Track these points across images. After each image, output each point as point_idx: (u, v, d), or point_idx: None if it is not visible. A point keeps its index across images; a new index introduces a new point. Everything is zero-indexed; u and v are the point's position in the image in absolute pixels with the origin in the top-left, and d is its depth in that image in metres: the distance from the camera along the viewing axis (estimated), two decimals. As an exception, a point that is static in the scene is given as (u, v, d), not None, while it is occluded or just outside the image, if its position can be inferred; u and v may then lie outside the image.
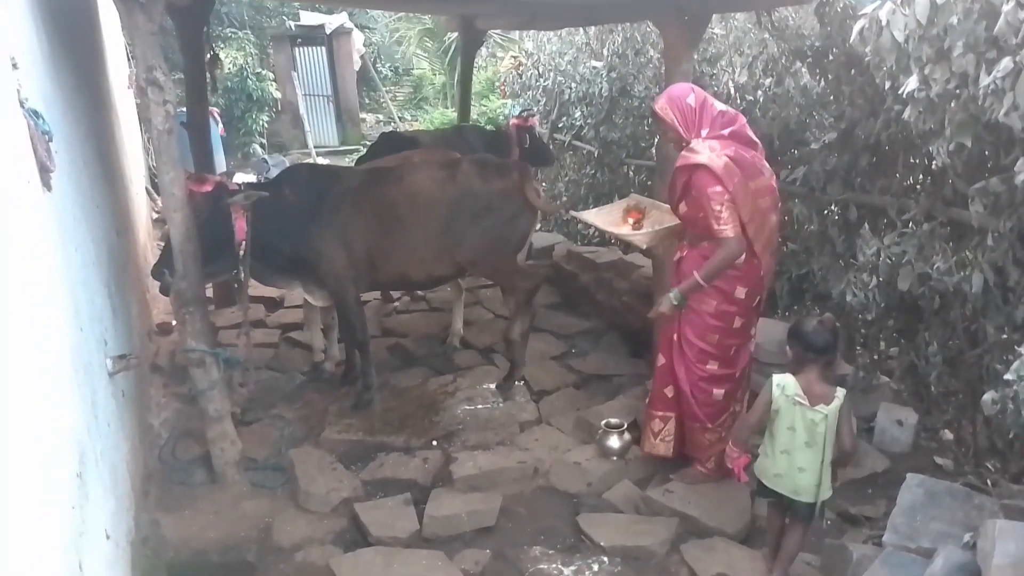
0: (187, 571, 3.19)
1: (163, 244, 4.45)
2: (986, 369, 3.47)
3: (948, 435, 4.08)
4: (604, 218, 4.18)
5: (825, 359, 2.91)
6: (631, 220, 4.07)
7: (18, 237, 1.96)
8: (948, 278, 3.29)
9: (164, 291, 4.08)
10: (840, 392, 2.90)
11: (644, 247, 4.11)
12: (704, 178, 3.27)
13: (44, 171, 2.37)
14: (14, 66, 2.25)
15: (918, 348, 3.88)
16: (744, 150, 3.39)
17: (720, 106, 3.44)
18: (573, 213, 4.46)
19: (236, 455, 3.80)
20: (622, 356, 5.29)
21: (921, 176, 3.98)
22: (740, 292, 3.48)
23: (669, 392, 3.71)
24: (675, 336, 3.63)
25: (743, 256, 3.39)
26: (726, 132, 3.38)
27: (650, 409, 3.83)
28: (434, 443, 4.22)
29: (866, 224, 3.90)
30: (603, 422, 4.05)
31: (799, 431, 2.89)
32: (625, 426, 4.01)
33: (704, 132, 3.37)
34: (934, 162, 3.48)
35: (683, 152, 3.40)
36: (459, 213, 4.35)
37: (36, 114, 2.33)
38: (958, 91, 2.87)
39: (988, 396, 2.85)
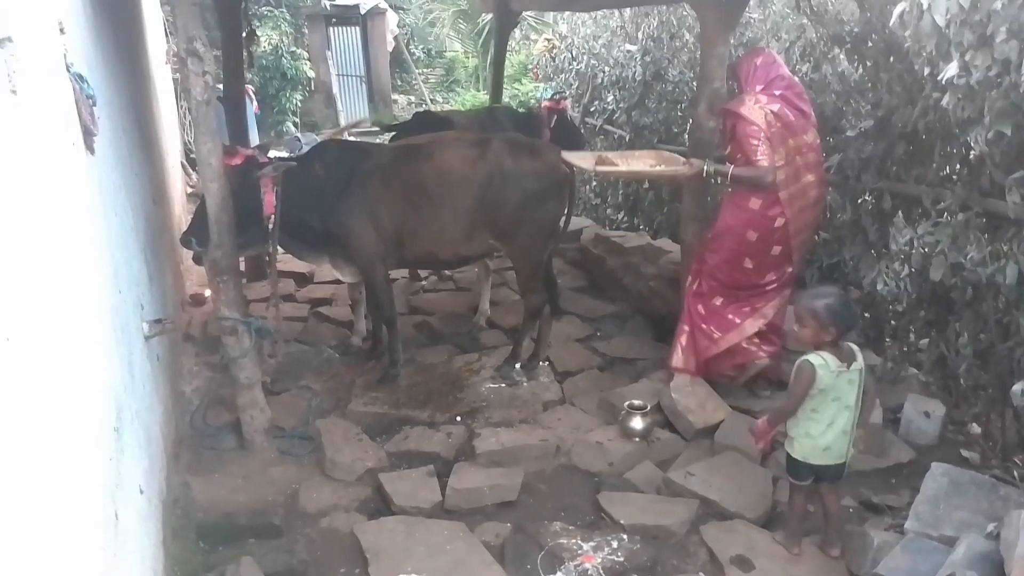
0: (216, 532, 3.27)
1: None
2: (1017, 362, 3.42)
3: (976, 428, 4.03)
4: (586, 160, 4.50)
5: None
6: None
7: (62, 196, 2.01)
8: (982, 269, 3.25)
9: (197, 260, 4.15)
10: (852, 345, 3.05)
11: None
12: (743, 123, 3.82)
13: (88, 134, 2.43)
14: (61, 31, 2.30)
15: (948, 340, 3.84)
16: (791, 110, 3.85)
17: (786, 75, 3.95)
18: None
19: (265, 423, 3.88)
20: (647, 340, 5.29)
21: (958, 165, 3.91)
22: (752, 235, 3.91)
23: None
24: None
25: (760, 201, 3.83)
26: (778, 92, 3.86)
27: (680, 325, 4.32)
28: (458, 419, 4.26)
29: (900, 213, 3.86)
30: (626, 404, 4.06)
31: (841, 398, 2.99)
32: (648, 408, 4.03)
33: (758, 88, 3.87)
34: (971, 151, 3.44)
35: (735, 99, 3.96)
36: (489, 192, 4.34)
37: (81, 78, 2.39)
38: (999, 78, 2.83)
39: (1018, 387, 2.83)
